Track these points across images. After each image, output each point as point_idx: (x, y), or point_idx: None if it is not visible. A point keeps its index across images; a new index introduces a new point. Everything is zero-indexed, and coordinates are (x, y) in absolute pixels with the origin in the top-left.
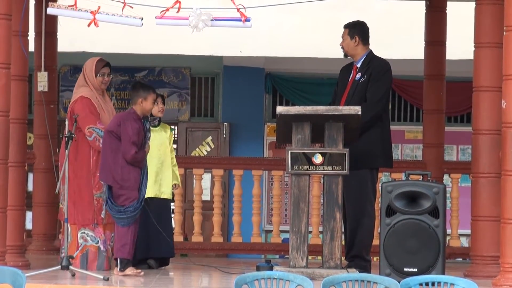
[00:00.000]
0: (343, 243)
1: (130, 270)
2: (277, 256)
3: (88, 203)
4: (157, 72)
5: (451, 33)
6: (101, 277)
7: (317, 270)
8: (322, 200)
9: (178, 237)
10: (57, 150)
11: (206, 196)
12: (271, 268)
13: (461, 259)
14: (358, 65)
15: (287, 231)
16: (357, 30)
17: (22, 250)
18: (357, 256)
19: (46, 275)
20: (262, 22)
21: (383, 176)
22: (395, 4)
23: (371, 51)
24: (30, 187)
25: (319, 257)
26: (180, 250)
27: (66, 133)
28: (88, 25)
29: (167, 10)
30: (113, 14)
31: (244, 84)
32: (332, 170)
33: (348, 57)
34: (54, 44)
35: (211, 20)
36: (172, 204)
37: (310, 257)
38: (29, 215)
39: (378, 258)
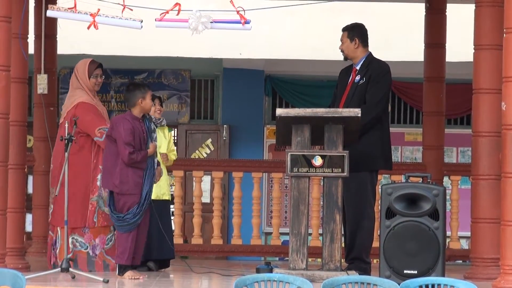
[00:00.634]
0: (343, 245)
1: (128, 275)
2: (277, 258)
3: (82, 206)
4: (156, 74)
5: (451, 35)
6: (101, 279)
7: (317, 272)
8: (322, 202)
9: (178, 239)
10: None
11: (206, 199)
12: (271, 270)
13: (461, 261)
14: (358, 67)
15: (287, 233)
16: (356, 33)
17: (22, 252)
18: (357, 258)
19: (46, 277)
20: (261, 25)
21: (382, 178)
22: (394, 6)
23: (370, 53)
24: (30, 190)
25: (319, 259)
26: (180, 252)
27: (66, 135)
28: (88, 28)
29: (167, 12)
30: (112, 16)
31: (244, 86)
32: (332, 172)
33: (348, 60)
34: (54, 47)
35: (211, 22)
36: (172, 206)
37: (310, 259)
38: (29, 217)
39: (378, 260)
